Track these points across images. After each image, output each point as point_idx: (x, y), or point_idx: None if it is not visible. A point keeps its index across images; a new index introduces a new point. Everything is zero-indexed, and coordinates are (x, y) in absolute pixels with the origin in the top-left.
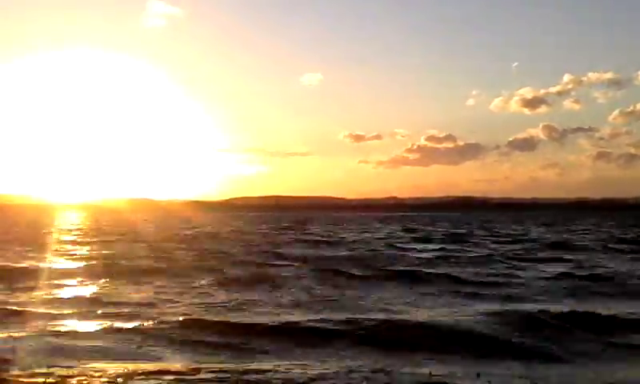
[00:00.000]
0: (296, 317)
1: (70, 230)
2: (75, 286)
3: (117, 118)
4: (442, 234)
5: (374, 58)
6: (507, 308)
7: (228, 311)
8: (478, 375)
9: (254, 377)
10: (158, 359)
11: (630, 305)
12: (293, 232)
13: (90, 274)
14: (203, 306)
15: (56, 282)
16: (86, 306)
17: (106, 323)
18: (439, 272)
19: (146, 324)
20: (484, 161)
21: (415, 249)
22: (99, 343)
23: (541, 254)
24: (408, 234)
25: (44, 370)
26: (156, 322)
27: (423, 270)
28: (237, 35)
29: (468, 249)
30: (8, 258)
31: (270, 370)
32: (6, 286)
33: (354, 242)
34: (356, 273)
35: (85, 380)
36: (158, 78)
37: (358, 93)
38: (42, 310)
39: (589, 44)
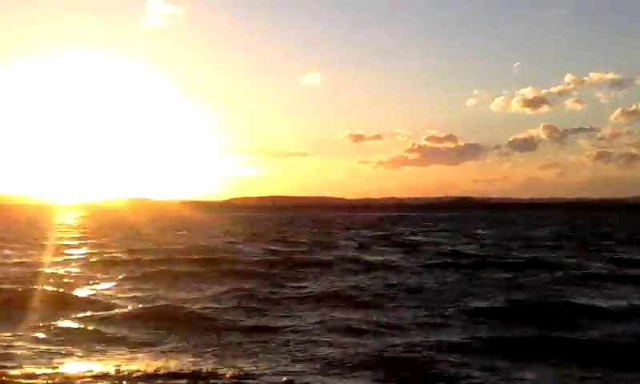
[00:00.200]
0: None
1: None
2: None
3: (117, 119)
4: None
5: (374, 59)
6: None
7: None
8: None
9: None
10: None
11: None
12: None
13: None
14: None
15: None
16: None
17: None
18: None
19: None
20: (484, 161)
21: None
22: None
23: None
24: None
25: (45, 370)
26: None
27: None
28: (237, 36)
29: None
30: None
31: None
32: None
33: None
34: None
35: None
36: (157, 78)
37: (358, 93)
38: None
39: (591, 44)
